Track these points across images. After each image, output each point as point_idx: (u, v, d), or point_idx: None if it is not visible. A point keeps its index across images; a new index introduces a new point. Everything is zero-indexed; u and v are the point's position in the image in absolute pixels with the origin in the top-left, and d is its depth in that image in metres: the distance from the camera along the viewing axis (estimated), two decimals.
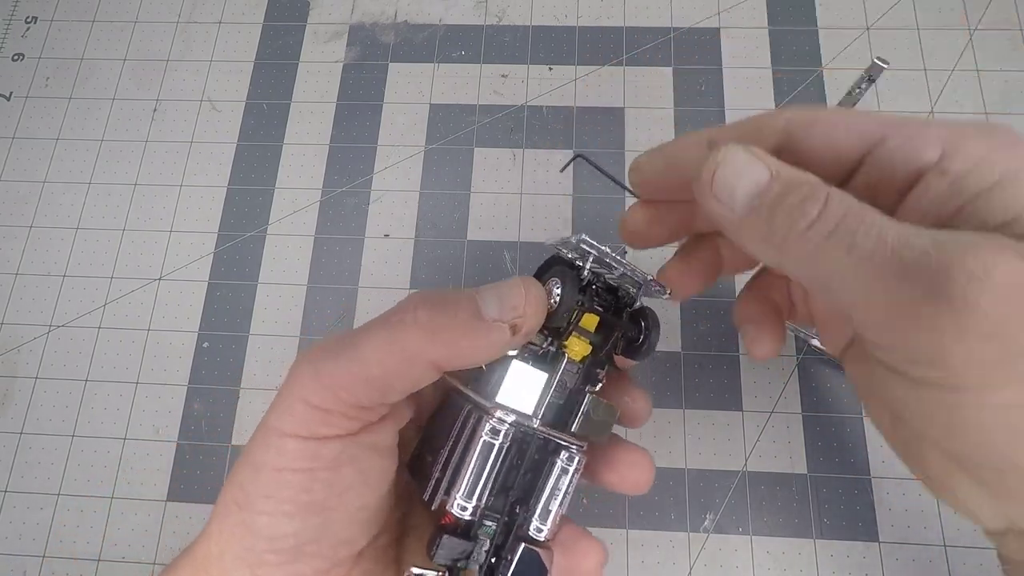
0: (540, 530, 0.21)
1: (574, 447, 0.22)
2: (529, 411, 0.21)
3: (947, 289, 0.16)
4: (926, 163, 0.19)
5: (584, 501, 0.32)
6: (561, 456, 0.21)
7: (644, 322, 0.23)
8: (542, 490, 0.21)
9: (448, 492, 0.21)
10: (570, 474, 0.22)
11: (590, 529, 0.31)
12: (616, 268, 0.22)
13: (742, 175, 0.19)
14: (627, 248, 0.24)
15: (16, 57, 0.43)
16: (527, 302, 0.20)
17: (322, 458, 0.20)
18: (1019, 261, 0.16)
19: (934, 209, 0.19)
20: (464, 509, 0.20)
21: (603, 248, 0.21)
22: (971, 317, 0.15)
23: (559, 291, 0.22)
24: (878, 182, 0.20)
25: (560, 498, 0.22)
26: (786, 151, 0.21)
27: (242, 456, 0.21)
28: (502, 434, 0.20)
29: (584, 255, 0.22)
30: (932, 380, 0.17)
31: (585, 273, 0.22)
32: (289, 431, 0.20)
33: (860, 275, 0.18)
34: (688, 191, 0.23)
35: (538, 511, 0.21)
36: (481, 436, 0.20)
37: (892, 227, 0.17)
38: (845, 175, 0.21)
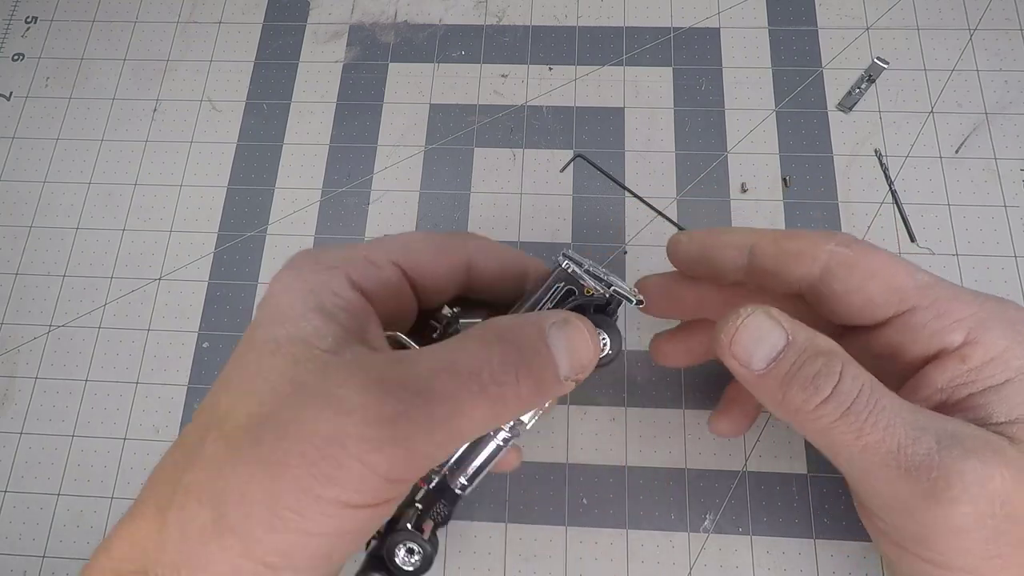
0: (464, 487, 0.24)
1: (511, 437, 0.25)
2: (527, 424, 0.24)
3: (947, 495, 0.18)
4: (948, 344, 0.20)
5: (584, 501, 0.32)
6: (499, 436, 0.24)
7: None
8: (476, 455, 0.24)
9: (453, 471, 0.24)
10: (498, 449, 0.24)
11: (590, 529, 0.32)
12: (607, 283, 0.24)
13: (761, 341, 0.20)
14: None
15: (16, 57, 0.43)
16: (593, 361, 0.21)
17: (355, 525, 0.18)
18: (1008, 473, 0.18)
19: (948, 389, 0.20)
20: (464, 488, 0.24)
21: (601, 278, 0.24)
22: (965, 519, 0.18)
23: (607, 343, 0.23)
24: (900, 345, 0.22)
25: (482, 461, 0.24)
26: (821, 286, 0.22)
27: (241, 493, 0.17)
28: (502, 437, 0.24)
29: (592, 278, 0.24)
30: (921, 555, 0.19)
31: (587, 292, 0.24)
32: (339, 499, 0.17)
33: (865, 460, 0.19)
34: (712, 276, 0.26)
35: (468, 470, 0.24)
36: (495, 441, 0.24)
37: (900, 418, 0.19)
38: (871, 325, 0.22)
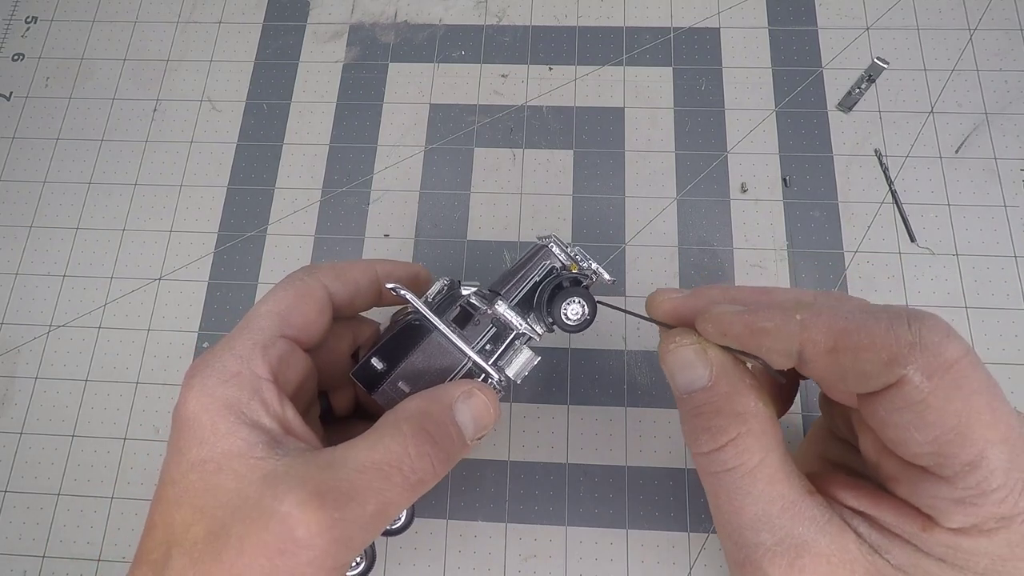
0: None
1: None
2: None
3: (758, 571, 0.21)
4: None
5: (584, 500, 0.32)
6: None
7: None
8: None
9: None
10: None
11: (590, 529, 0.32)
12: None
13: (684, 370, 0.22)
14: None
15: (16, 57, 0.43)
16: (494, 420, 0.24)
17: None
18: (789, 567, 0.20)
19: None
20: None
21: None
22: None
23: (586, 311, 0.26)
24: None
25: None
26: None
27: None
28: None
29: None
30: None
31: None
32: None
33: (716, 519, 0.22)
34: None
35: None
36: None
37: (756, 507, 0.21)
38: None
